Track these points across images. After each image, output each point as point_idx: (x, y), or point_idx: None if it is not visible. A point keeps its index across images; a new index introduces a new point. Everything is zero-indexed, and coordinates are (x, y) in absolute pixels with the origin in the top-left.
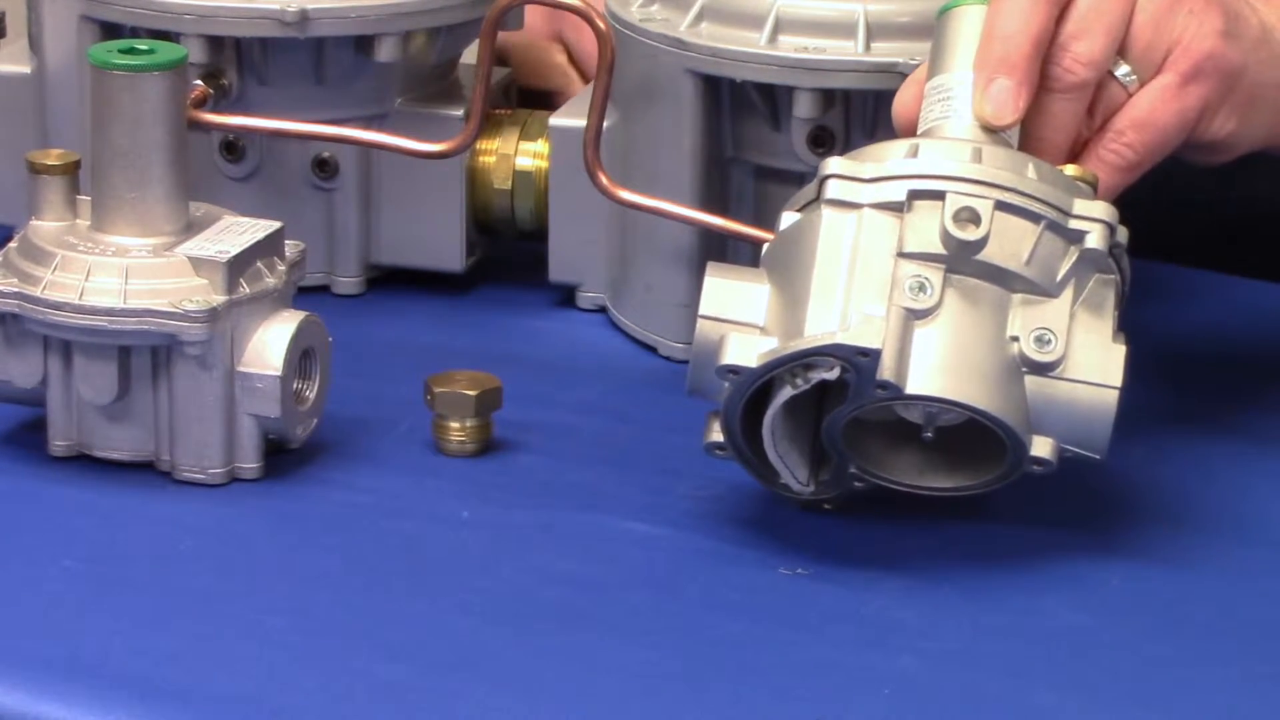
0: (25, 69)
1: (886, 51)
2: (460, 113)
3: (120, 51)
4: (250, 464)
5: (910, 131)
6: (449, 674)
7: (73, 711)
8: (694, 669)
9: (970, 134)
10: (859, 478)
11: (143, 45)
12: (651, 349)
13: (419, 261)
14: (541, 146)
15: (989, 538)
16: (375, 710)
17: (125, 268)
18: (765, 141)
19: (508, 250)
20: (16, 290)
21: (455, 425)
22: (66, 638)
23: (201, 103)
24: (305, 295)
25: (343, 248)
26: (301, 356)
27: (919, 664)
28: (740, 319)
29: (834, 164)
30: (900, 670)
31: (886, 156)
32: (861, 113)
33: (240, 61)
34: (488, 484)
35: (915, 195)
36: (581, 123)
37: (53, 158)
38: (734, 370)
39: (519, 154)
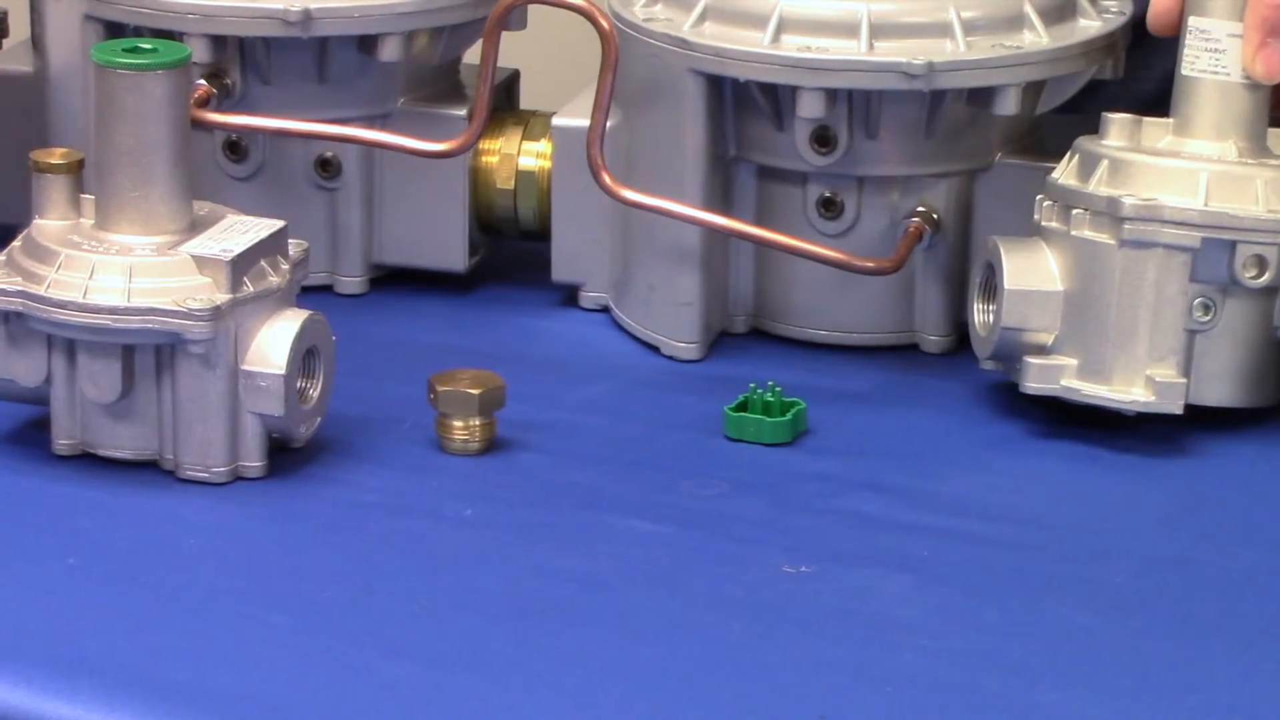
0: (28, 68)
1: (889, 51)
2: (463, 112)
3: (124, 51)
4: (254, 463)
5: (1161, 34)
6: (451, 672)
7: (76, 709)
8: (696, 667)
9: (1238, 97)
10: None
11: (146, 45)
12: (654, 349)
13: (422, 261)
14: (544, 146)
15: (991, 537)
16: (378, 707)
17: (129, 266)
18: (768, 141)
19: (510, 250)
20: (20, 289)
21: (459, 424)
22: (70, 636)
23: (205, 102)
24: (308, 295)
25: (345, 247)
26: (305, 355)
27: (921, 662)
28: (1038, 327)
29: (1130, 205)
30: (902, 668)
31: (1181, 191)
32: (864, 112)
33: (243, 61)
34: (491, 483)
35: (1208, 243)
36: (585, 122)
37: (56, 157)
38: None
39: (522, 153)
